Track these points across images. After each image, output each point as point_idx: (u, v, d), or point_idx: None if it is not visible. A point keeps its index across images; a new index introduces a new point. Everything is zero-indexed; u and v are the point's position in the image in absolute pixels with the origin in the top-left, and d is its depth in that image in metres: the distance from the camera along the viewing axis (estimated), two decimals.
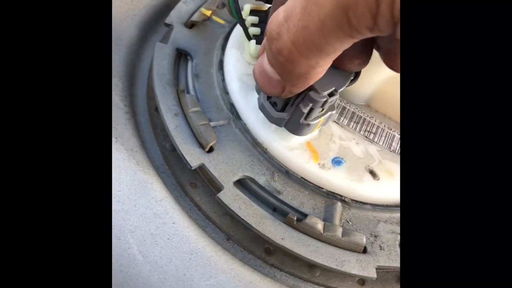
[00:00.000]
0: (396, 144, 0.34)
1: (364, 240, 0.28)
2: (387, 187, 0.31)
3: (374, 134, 0.34)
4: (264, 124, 0.31)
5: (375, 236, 0.30)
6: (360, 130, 0.34)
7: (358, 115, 0.34)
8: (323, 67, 0.23)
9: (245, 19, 0.32)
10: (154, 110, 0.34)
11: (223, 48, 0.35)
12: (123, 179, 0.28)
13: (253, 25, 0.32)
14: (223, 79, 0.34)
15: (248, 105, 0.32)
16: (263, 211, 0.28)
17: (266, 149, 0.31)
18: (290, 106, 0.27)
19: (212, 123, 0.31)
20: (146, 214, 0.27)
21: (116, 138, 0.30)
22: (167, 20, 0.36)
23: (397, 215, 0.31)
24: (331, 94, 0.26)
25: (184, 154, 0.29)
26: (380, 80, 0.34)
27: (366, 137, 0.33)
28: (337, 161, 0.31)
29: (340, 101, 0.35)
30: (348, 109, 0.34)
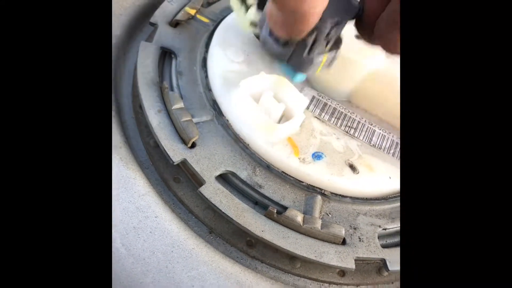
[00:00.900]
0: (377, 139, 0.34)
1: (343, 232, 0.29)
2: (367, 181, 0.32)
3: (354, 129, 0.34)
4: (246, 120, 0.32)
5: (355, 228, 0.31)
6: (341, 125, 0.34)
7: (339, 110, 0.35)
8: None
9: None
10: (138, 108, 0.35)
11: (207, 46, 0.36)
12: None
13: None
14: (207, 76, 0.34)
15: (230, 101, 0.32)
16: (244, 204, 0.29)
17: (248, 144, 0.32)
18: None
19: (195, 119, 0.32)
20: (129, 208, 0.28)
21: None
22: (152, 19, 0.37)
23: (376, 207, 0.32)
24: (335, 24, 0.25)
25: (166, 150, 0.30)
26: (361, 76, 0.34)
27: (347, 132, 0.34)
28: (317, 156, 0.32)
29: (322, 97, 0.35)
30: (330, 105, 0.35)
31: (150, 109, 0.31)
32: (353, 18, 0.27)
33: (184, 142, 0.30)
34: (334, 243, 0.29)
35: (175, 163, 0.29)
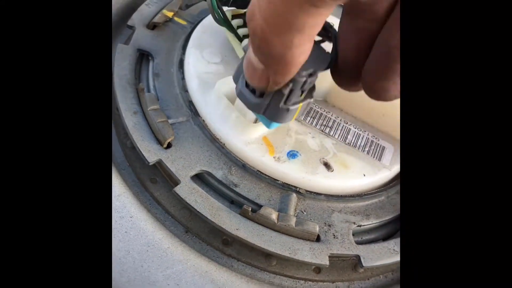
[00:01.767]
0: (352, 137, 0.35)
1: (317, 228, 0.30)
2: (341, 178, 0.32)
3: (330, 128, 0.35)
4: (222, 120, 0.32)
5: (329, 225, 0.31)
6: (316, 124, 0.35)
7: (315, 110, 0.36)
8: (299, 48, 0.21)
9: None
10: (116, 110, 0.35)
11: (184, 47, 0.36)
12: None
13: (239, 27, 0.34)
14: (183, 78, 0.35)
15: (206, 102, 0.33)
16: (219, 203, 0.29)
17: (223, 144, 0.32)
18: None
19: (171, 120, 0.32)
20: None
21: None
22: (129, 22, 0.37)
23: (351, 204, 0.33)
24: (310, 75, 0.26)
25: (142, 151, 0.30)
26: None
27: (322, 131, 0.35)
28: (292, 154, 0.32)
29: None
30: None
31: (126, 110, 0.32)
32: (326, 69, 0.27)
33: (160, 143, 0.31)
34: (308, 240, 0.30)
35: (150, 164, 0.30)
